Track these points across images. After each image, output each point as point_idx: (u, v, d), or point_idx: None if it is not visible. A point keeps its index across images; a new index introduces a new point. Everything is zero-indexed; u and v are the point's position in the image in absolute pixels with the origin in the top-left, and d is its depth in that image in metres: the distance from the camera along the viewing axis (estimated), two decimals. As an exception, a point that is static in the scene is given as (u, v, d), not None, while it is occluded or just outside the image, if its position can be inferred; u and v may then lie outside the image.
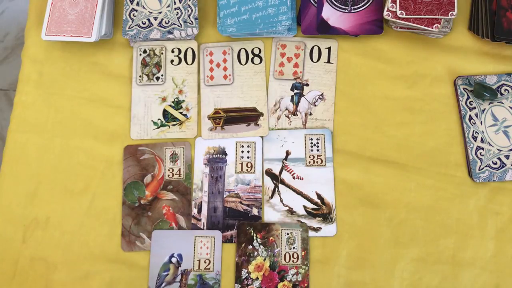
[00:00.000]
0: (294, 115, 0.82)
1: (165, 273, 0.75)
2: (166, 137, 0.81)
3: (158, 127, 0.82)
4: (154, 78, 0.83)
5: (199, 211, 0.78)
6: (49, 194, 0.80)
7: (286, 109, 0.82)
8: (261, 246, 0.76)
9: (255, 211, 0.78)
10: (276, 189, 0.79)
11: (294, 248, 0.76)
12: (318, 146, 0.80)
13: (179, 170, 0.80)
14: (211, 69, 0.83)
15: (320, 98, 0.82)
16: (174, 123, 0.82)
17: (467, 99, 0.80)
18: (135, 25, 0.83)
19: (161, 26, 0.82)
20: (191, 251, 0.76)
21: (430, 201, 0.78)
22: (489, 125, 0.79)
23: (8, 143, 0.82)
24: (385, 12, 0.78)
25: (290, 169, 0.80)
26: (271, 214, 0.78)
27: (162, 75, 0.83)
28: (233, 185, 0.79)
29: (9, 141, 0.82)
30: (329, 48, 0.83)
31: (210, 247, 0.76)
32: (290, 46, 0.84)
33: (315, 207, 0.78)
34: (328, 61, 0.83)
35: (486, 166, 0.77)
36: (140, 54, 0.83)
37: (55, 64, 0.85)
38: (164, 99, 0.83)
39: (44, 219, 0.79)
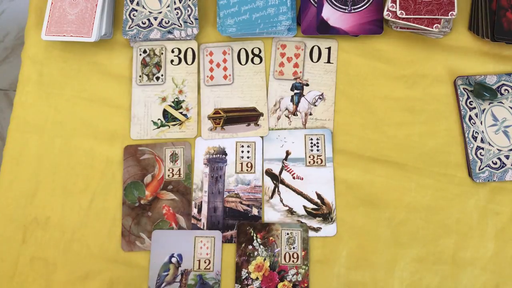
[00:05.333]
0: (294, 115, 0.82)
1: (165, 273, 0.75)
2: (166, 137, 0.81)
3: (158, 127, 0.82)
4: (154, 78, 0.83)
5: (199, 211, 0.78)
6: (49, 194, 0.80)
7: (286, 109, 0.82)
8: (261, 246, 0.76)
9: (255, 211, 0.78)
10: (276, 189, 0.79)
11: (294, 248, 0.76)
12: (318, 146, 0.80)
13: (179, 170, 0.80)
14: (211, 69, 0.83)
15: (320, 98, 0.82)
16: (174, 123, 0.82)
17: (467, 99, 0.80)
18: (135, 25, 0.83)
19: (161, 26, 0.82)
20: (191, 251, 0.76)
21: (430, 201, 0.78)
22: (489, 125, 0.79)
23: (8, 143, 0.82)
24: (385, 12, 0.78)
25: (290, 169, 0.80)
26: (271, 214, 0.78)
27: (162, 75, 0.83)
28: (233, 185, 0.79)
29: (9, 141, 0.82)
30: (329, 48, 0.83)
31: (210, 247, 0.76)
32: (290, 46, 0.84)
33: (315, 207, 0.78)
34: (328, 61, 0.83)
35: (486, 166, 0.77)
36: (140, 54, 0.83)
37: (55, 64, 0.85)
38: (164, 99, 0.83)
39: (44, 219, 0.79)
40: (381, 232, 0.77)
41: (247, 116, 0.82)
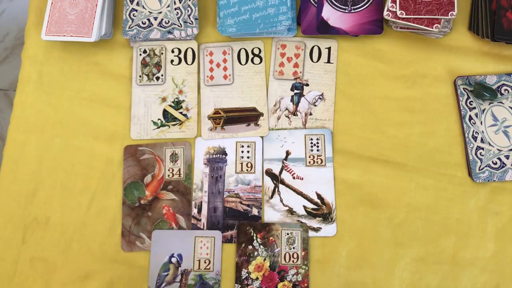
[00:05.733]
0: (294, 115, 0.82)
1: (165, 273, 0.75)
2: (166, 137, 0.81)
3: (158, 127, 0.82)
4: (154, 78, 0.83)
5: (199, 211, 0.78)
6: (49, 194, 0.80)
7: (286, 109, 0.82)
8: (261, 246, 0.76)
9: (255, 211, 0.78)
10: (276, 189, 0.79)
11: (294, 248, 0.76)
12: (318, 146, 0.80)
13: (179, 170, 0.80)
14: (211, 69, 0.83)
15: (320, 98, 0.82)
16: (174, 123, 0.82)
17: (467, 99, 0.80)
18: (135, 25, 0.83)
19: (161, 26, 0.82)
20: (191, 251, 0.76)
21: (430, 201, 0.78)
22: (489, 125, 0.79)
23: (8, 143, 0.82)
24: (385, 12, 0.78)
25: (290, 169, 0.80)
26: (271, 214, 0.78)
27: (162, 75, 0.83)
28: (233, 185, 0.79)
29: (9, 141, 0.82)
30: (329, 48, 0.83)
31: (210, 247, 0.76)
32: (290, 46, 0.84)
33: (315, 207, 0.78)
34: (328, 61, 0.83)
35: (486, 166, 0.77)
36: (140, 54, 0.83)
37: (55, 64, 0.85)
38: (164, 99, 0.83)
39: (44, 219, 0.79)
40: (381, 232, 0.77)
41: (247, 116, 0.82)
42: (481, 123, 0.79)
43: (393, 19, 0.78)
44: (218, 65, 0.83)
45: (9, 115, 0.83)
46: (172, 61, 0.84)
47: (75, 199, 0.79)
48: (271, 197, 0.79)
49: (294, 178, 0.79)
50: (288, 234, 0.76)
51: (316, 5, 0.82)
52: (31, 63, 0.85)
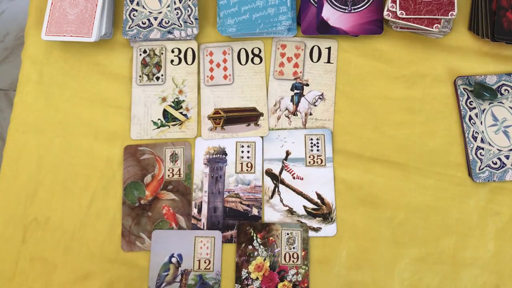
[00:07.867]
0: (294, 115, 0.82)
1: (165, 273, 0.75)
2: (166, 137, 0.81)
3: (158, 127, 0.82)
4: (154, 78, 0.83)
5: (199, 211, 0.78)
6: (49, 194, 0.80)
7: (286, 109, 0.82)
8: (261, 246, 0.76)
9: (255, 211, 0.78)
10: (276, 189, 0.79)
11: (294, 248, 0.76)
12: (318, 146, 0.80)
13: (179, 170, 0.80)
14: (211, 69, 0.83)
15: (320, 98, 0.82)
16: (174, 123, 0.82)
17: (467, 99, 0.80)
18: (135, 25, 0.83)
19: (161, 26, 0.82)
20: (191, 251, 0.76)
21: (430, 201, 0.78)
22: (489, 125, 0.79)
23: (8, 143, 0.82)
24: (385, 12, 0.78)
25: (290, 169, 0.80)
26: (271, 214, 0.78)
27: (162, 75, 0.83)
28: (233, 185, 0.79)
29: (9, 141, 0.82)
30: (329, 48, 0.83)
31: (210, 247, 0.76)
32: (290, 46, 0.84)
33: (315, 207, 0.78)
34: (328, 61, 0.83)
35: (486, 166, 0.77)
36: (140, 54, 0.83)
37: (55, 64, 0.85)
38: (164, 99, 0.83)
39: (44, 219, 0.79)
40: (381, 232, 0.77)
41: (247, 116, 0.82)
42: (481, 123, 0.79)
43: (393, 19, 0.78)
44: (218, 65, 0.83)
45: (9, 115, 0.83)
46: (172, 61, 0.84)
47: (75, 199, 0.79)
48: (271, 197, 0.79)
49: (294, 178, 0.79)
50: (288, 234, 0.76)
51: (316, 5, 0.82)
52: (31, 63, 0.85)
